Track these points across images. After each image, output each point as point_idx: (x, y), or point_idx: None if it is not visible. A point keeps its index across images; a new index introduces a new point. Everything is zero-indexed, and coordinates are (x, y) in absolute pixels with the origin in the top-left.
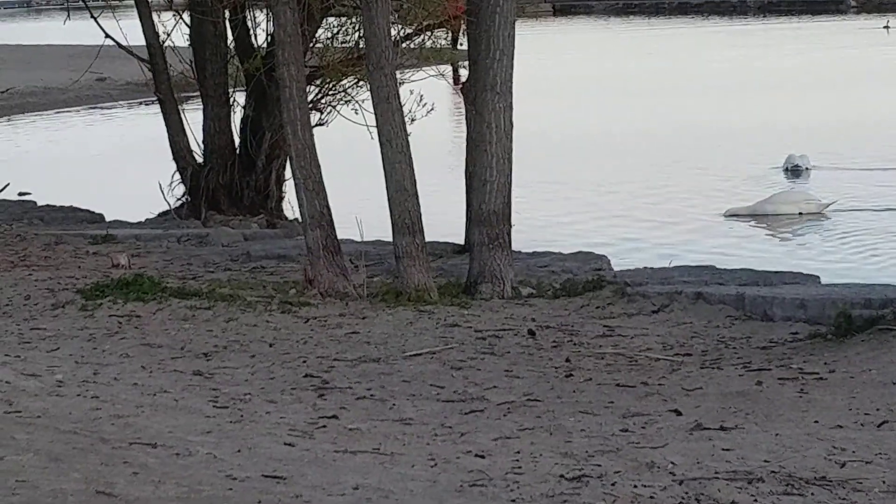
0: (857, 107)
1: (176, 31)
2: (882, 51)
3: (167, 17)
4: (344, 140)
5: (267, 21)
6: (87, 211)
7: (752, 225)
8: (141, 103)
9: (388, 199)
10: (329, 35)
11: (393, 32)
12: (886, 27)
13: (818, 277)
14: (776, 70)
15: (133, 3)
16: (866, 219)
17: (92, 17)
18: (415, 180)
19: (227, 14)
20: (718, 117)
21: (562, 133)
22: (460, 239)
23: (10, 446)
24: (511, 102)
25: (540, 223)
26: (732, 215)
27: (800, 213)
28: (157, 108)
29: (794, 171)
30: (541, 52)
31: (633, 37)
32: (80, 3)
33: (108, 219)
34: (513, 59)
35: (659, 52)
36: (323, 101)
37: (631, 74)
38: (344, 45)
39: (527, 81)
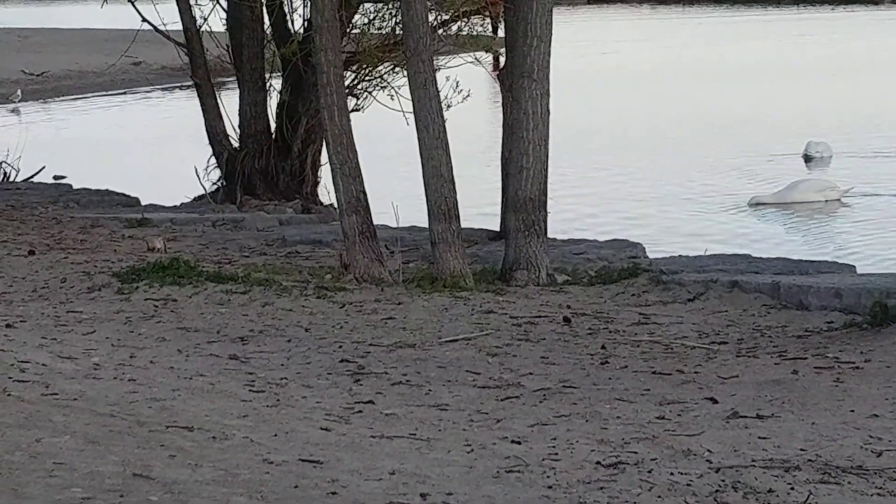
0: (881, 95)
1: (213, 16)
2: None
3: (204, 0)
4: (380, 126)
5: (304, 6)
6: (123, 195)
7: (777, 213)
8: (177, 88)
9: (425, 185)
10: (366, 21)
11: (430, 18)
12: None
13: (854, 266)
14: (805, 59)
15: None
16: (885, 204)
17: (129, 0)
18: (451, 166)
19: None
20: (743, 105)
21: (592, 122)
22: (496, 225)
23: (47, 428)
24: (548, 89)
25: (574, 210)
26: (757, 203)
27: (825, 201)
28: (192, 93)
29: (813, 158)
30: (575, 41)
31: (666, 26)
32: None
33: (143, 202)
34: (550, 45)
35: (690, 42)
36: (359, 86)
37: (661, 63)
38: (381, 30)
39: (561, 70)
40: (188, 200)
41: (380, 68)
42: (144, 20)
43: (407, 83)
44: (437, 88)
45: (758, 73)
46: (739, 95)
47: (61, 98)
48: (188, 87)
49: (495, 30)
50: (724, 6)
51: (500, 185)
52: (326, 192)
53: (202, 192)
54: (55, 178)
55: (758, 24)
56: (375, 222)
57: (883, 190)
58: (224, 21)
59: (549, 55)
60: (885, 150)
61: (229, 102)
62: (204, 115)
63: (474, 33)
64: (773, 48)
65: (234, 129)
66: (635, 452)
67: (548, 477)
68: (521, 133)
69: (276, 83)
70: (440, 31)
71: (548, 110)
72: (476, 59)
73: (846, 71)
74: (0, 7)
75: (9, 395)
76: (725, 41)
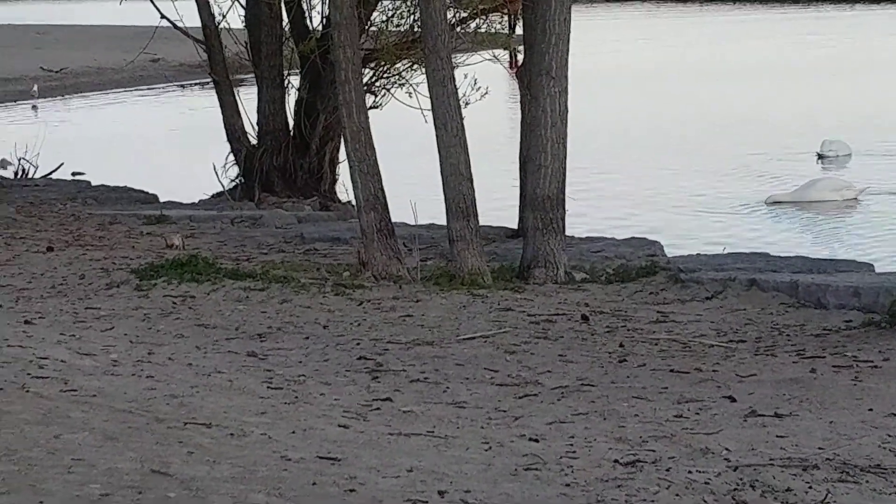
0: (884, 94)
1: (231, 12)
2: None
3: None
4: (398, 123)
5: (322, 3)
6: (141, 191)
7: (794, 211)
8: (195, 85)
9: (443, 183)
10: (384, 18)
11: (448, 16)
12: None
13: (872, 265)
14: (823, 57)
15: None
16: None
17: None
18: (469, 164)
19: None
20: (758, 104)
21: (607, 121)
22: (514, 223)
23: (66, 424)
24: (566, 87)
25: (592, 209)
26: (774, 202)
27: (842, 200)
28: (211, 90)
29: (828, 157)
30: (587, 39)
31: (683, 23)
32: None
33: (161, 199)
34: (569, 43)
35: (705, 39)
36: (377, 83)
37: (678, 61)
38: (399, 27)
39: (576, 68)
40: (206, 198)
41: (398, 65)
42: (163, 17)
43: (425, 80)
44: (455, 86)
45: (774, 71)
46: (755, 94)
47: (79, 95)
48: (206, 84)
49: (513, 27)
50: (742, 3)
51: (518, 182)
52: (344, 189)
53: (220, 189)
54: (73, 174)
55: (776, 21)
56: (393, 220)
57: None
58: (242, 18)
59: (567, 53)
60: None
61: (248, 99)
62: (222, 112)
63: (492, 31)
64: (789, 46)
65: (253, 127)
66: (653, 451)
67: (565, 475)
68: (539, 131)
69: (294, 80)
70: (458, 29)
71: (566, 108)
72: (494, 56)
73: (864, 69)
74: (20, 4)
75: (28, 391)
76: (742, 39)
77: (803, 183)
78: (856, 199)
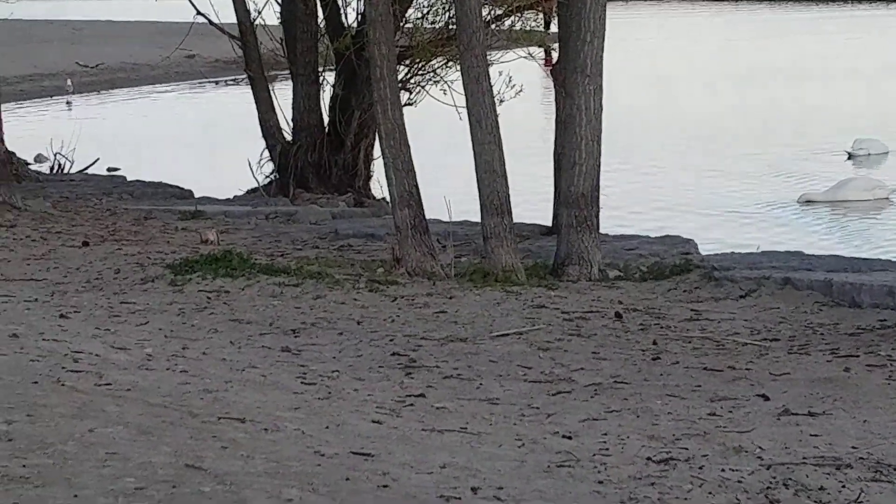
0: None
1: (267, 9)
2: None
3: None
4: (433, 120)
5: (358, 0)
6: (177, 187)
7: (828, 210)
8: (230, 81)
9: (477, 180)
10: (419, 15)
11: (484, 13)
12: None
13: None
14: (855, 56)
15: None
16: None
17: None
18: (504, 161)
19: None
20: (791, 103)
21: (640, 119)
22: (548, 220)
23: (100, 418)
24: (601, 85)
25: (626, 207)
26: (808, 201)
27: (874, 199)
28: (246, 86)
29: (859, 156)
30: (623, 37)
31: (718, 22)
32: None
33: (196, 195)
34: (603, 41)
35: (740, 38)
36: (412, 80)
37: (709, 61)
38: (434, 25)
39: (609, 66)
40: (241, 193)
41: (433, 62)
42: (199, 13)
43: (460, 77)
44: (489, 83)
45: (808, 70)
46: (788, 94)
47: (115, 90)
48: (242, 80)
49: (548, 25)
50: (778, 2)
51: (552, 180)
52: (379, 185)
53: (255, 185)
54: (109, 169)
55: (810, 21)
56: (428, 216)
57: None
58: (278, 15)
59: (602, 51)
60: None
61: (283, 96)
62: (257, 109)
63: (527, 28)
64: (824, 45)
65: (288, 123)
66: (686, 448)
67: (598, 472)
68: (573, 128)
69: (329, 77)
70: (493, 26)
71: (601, 106)
72: (529, 54)
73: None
74: (57, 0)
75: (63, 384)
76: (777, 38)
77: (836, 182)
78: (888, 198)
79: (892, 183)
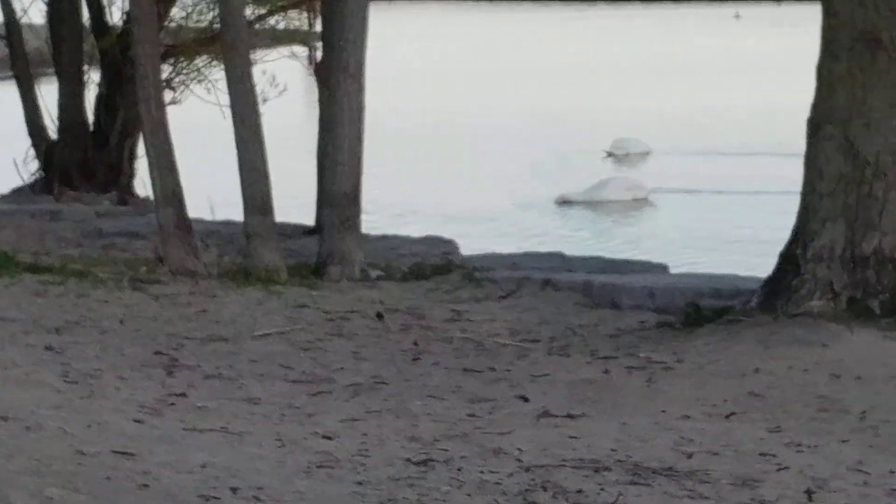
0: (694, 95)
1: (33, 7)
2: (730, 39)
3: None
4: (197, 119)
5: None
6: None
7: (586, 210)
8: None
9: (240, 179)
10: (184, 14)
11: (247, 12)
12: (737, 16)
13: (666, 266)
14: (614, 56)
15: None
16: (693, 203)
17: None
18: (266, 160)
19: None
20: (552, 103)
21: (401, 119)
22: (311, 220)
23: None
24: (363, 85)
25: (389, 206)
26: (566, 201)
27: (633, 199)
28: (12, 84)
29: (621, 155)
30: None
31: (479, 21)
32: None
33: None
34: (366, 41)
35: (503, 39)
36: (177, 79)
37: (471, 61)
38: (198, 24)
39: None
40: (7, 192)
41: (197, 61)
42: None
43: (224, 76)
44: (253, 83)
45: (574, 71)
46: (553, 94)
47: None
48: (8, 78)
49: (312, 24)
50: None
51: (315, 179)
52: (143, 184)
53: (21, 183)
54: None
55: (575, 21)
56: (191, 215)
57: (691, 188)
58: (44, 13)
59: (364, 51)
60: (695, 149)
61: (49, 94)
62: (24, 107)
63: (292, 28)
64: (588, 44)
65: (53, 121)
66: (446, 450)
67: (358, 473)
68: (336, 128)
69: (95, 76)
70: (257, 26)
71: (363, 106)
72: (293, 53)
73: (665, 70)
74: None
75: None
76: (540, 38)
77: (595, 182)
78: (646, 198)
79: (651, 183)
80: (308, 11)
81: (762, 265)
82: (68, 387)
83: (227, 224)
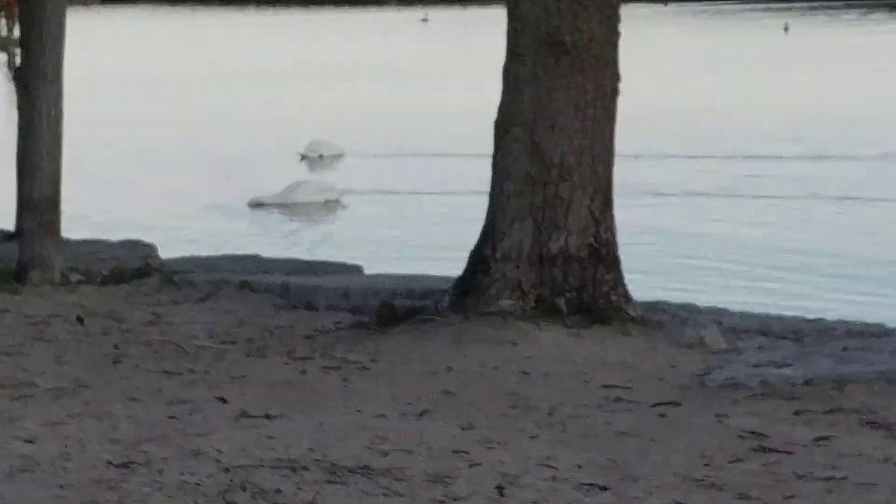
0: (386, 97)
1: None
2: (418, 43)
3: None
4: None
5: None
6: None
7: (280, 213)
8: None
9: None
10: None
11: None
12: (425, 20)
13: (361, 267)
14: (311, 61)
15: None
16: (385, 205)
17: None
18: None
19: None
20: (243, 106)
21: (96, 126)
22: (11, 225)
23: None
24: (62, 90)
25: (89, 211)
26: (258, 204)
27: (325, 201)
28: None
29: (314, 157)
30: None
31: (175, 27)
32: None
33: None
34: (63, 47)
35: (200, 42)
36: None
37: (168, 66)
38: None
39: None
40: None
41: None
42: None
43: None
44: None
45: (266, 75)
46: (244, 96)
47: None
48: None
49: (12, 29)
50: (229, 5)
51: (15, 184)
52: None
53: None
54: None
55: (267, 24)
56: None
57: (384, 189)
58: None
59: (62, 57)
60: (389, 151)
61: None
62: None
63: None
64: (289, 47)
65: None
66: (146, 452)
67: (60, 477)
68: (35, 134)
69: None
70: None
71: (62, 111)
72: None
73: (357, 74)
74: None
75: None
76: (242, 40)
77: (287, 184)
78: (338, 200)
79: (343, 184)
80: (7, 17)
81: (455, 265)
82: None
83: None
